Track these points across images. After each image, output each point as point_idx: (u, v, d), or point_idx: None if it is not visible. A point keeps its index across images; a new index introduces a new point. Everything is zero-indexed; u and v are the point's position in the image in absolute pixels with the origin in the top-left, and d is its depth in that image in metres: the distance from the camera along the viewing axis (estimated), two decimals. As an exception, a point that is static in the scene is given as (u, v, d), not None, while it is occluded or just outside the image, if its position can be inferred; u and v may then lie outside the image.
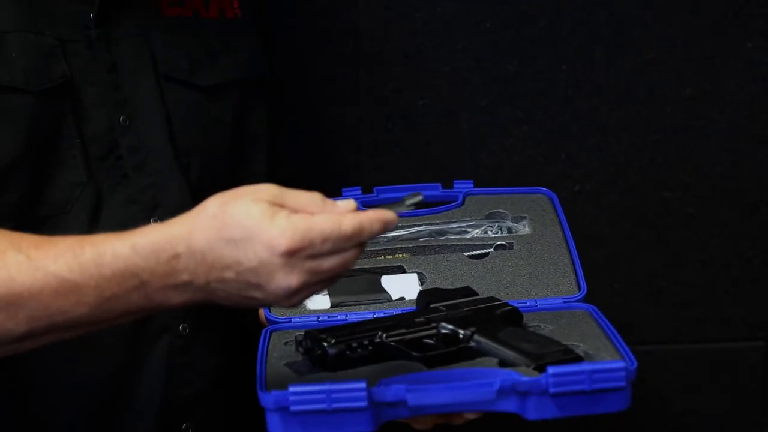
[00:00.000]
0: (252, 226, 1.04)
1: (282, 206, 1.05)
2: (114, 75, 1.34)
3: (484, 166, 1.88)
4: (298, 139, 1.80)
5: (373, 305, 1.36)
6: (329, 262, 1.05)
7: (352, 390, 1.06)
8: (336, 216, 1.05)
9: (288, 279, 1.04)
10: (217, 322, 1.39)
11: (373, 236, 1.07)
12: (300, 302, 1.10)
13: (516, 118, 1.87)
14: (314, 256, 1.04)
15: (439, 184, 1.55)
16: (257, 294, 1.07)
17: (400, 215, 1.21)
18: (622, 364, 1.10)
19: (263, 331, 1.30)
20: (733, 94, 1.87)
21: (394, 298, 1.38)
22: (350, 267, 1.09)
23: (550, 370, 1.09)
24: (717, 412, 1.98)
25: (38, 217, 1.27)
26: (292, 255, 1.03)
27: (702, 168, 1.89)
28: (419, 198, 1.13)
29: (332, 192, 1.53)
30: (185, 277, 1.06)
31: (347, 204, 1.07)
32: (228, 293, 1.08)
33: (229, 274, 1.05)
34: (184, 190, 1.36)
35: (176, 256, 1.05)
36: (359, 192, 1.54)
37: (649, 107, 1.87)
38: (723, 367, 1.97)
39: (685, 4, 1.83)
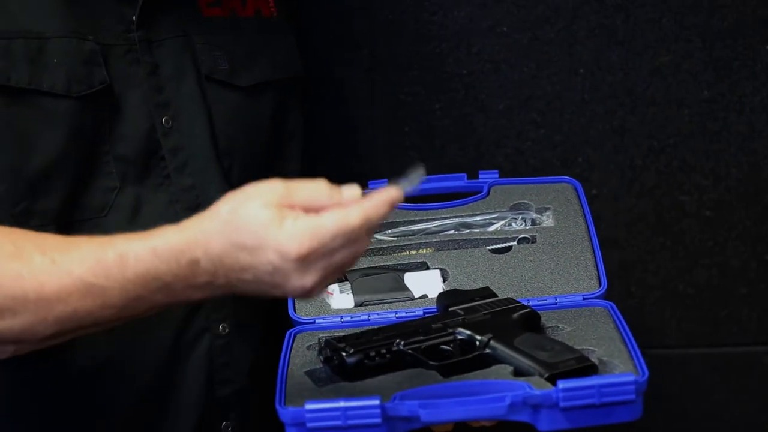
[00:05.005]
0: (262, 234, 1.06)
1: (291, 206, 1.07)
2: (156, 77, 1.35)
3: (501, 170, 1.86)
4: (313, 143, 1.81)
5: (396, 304, 1.38)
6: (341, 255, 1.07)
7: (366, 407, 1.09)
8: (342, 211, 1.06)
9: (302, 280, 1.07)
10: (256, 322, 1.41)
11: (383, 219, 1.09)
12: (319, 293, 1.12)
13: (532, 122, 1.88)
14: (326, 255, 1.07)
15: (464, 175, 1.56)
16: (277, 292, 1.09)
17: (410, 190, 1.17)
18: (631, 378, 1.11)
19: (287, 334, 1.33)
20: (750, 96, 1.86)
21: (416, 296, 1.40)
22: (362, 253, 1.12)
23: (560, 384, 1.10)
24: (733, 416, 1.98)
25: (77, 221, 1.29)
26: (304, 259, 1.06)
27: (719, 171, 1.89)
28: (422, 171, 1.15)
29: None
30: (205, 278, 1.09)
31: (352, 191, 1.09)
32: (249, 289, 1.11)
33: (248, 276, 1.08)
34: (224, 190, 1.36)
35: (195, 261, 1.08)
36: (386, 184, 1.53)
37: (665, 110, 1.87)
38: (739, 371, 1.96)
39: (701, 6, 1.83)
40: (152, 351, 1.33)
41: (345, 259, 1.08)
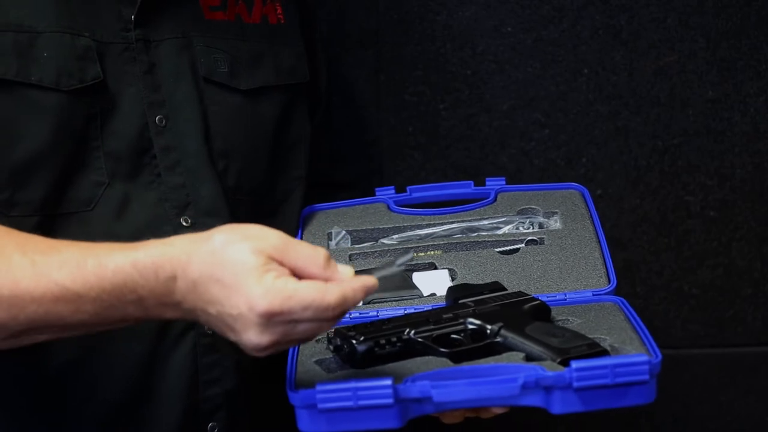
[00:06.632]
0: (240, 278, 1.07)
1: (281, 262, 1.08)
2: (153, 76, 1.36)
3: (505, 170, 1.88)
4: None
5: (405, 301, 1.38)
6: (305, 326, 1.08)
7: (377, 387, 1.08)
8: (322, 285, 1.07)
9: (260, 337, 1.07)
10: None
11: (357, 303, 1.09)
12: (267, 355, 1.12)
13: (537, 122, 1.88)
14: (291, 321, 1.07)
15: (471, 182, 1.56)
16: (232, 336, 1.10)
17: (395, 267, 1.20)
18: (645, 358, 1.10)
19: None
20: (755, 96, 1.87)
21: (425, 294, 1.39)
22: (324, 331, 1.14)
23: (574, 364, 1.09)
24: (738, 416, 1.97)
25: (62, 214, 1.30)
26: (270, 318, 1.06)
27: (723, 171, 1.89)
28: (410, 256, 1.18)
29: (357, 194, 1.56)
30: (178, 297, 1.10)
31: (346, 271, 1.10)
32: (209, 323, 1.12)
33: (212, 310, 1.09)
34: (217, 192, 1.38)
35: (173, 278, 1.09)
36: (392, 191, 1.56)
37: (670, 110, 1.87)
38: (744, 371, 1.96)
39: (706, 6, 1.83)
40: (132, 348, 1.33)
41: (307, 331, 1.09)
